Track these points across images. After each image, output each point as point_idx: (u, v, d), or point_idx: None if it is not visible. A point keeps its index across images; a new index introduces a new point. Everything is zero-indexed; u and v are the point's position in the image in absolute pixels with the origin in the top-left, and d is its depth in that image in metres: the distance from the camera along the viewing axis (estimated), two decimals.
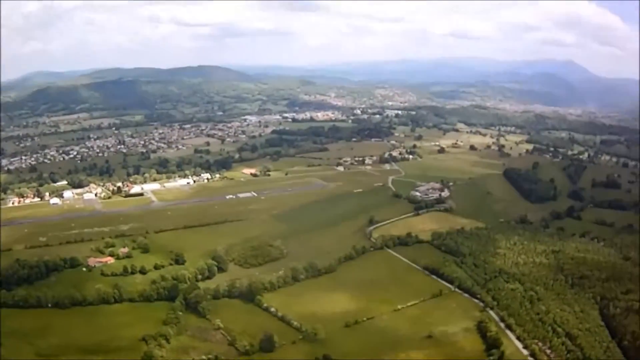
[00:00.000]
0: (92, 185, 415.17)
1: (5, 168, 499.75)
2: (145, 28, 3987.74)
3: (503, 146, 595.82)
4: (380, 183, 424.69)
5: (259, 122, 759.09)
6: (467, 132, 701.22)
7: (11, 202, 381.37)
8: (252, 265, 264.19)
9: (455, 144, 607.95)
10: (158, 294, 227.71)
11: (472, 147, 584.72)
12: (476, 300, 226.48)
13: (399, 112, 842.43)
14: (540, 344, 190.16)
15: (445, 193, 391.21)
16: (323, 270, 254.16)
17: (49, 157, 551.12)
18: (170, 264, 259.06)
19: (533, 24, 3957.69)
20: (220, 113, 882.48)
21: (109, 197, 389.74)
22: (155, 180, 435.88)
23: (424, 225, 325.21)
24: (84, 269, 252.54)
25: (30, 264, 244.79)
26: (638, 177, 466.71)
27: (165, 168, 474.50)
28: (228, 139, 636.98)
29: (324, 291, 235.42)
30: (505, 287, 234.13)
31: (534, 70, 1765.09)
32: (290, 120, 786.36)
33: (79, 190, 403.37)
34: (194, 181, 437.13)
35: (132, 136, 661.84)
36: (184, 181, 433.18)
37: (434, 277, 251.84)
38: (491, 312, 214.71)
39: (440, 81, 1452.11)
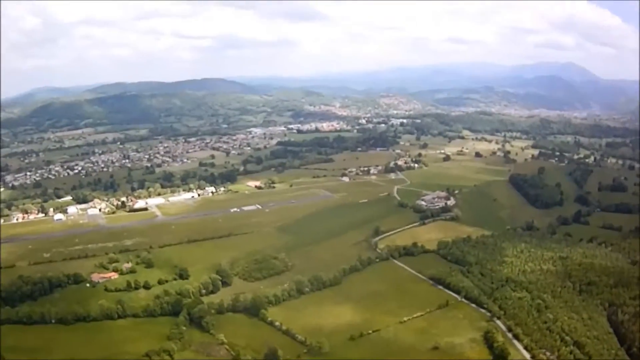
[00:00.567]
0: (96, 200, 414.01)
1: (10, 184, 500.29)
2: (146, 42, 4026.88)
3: (508, 152, 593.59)
4: (386, 193, 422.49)
5: (264, 134, 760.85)
6: (472, 139, 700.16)
7: (15, 218, 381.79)
8: (257, 279, 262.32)
9: (461, 151, 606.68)
10: (162, 309, 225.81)
11: (477, 154, 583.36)
12: (483, 310, 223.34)
13: (404, 120, 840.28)
14: (548, 353, 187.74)
15: (451, 201, 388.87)
16: (328, 283, 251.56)
17: (53, 172, 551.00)
18: (174, 279, 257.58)
19: (532, 26, 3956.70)
20: (225, 126, 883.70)
21: (113, 212, 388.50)
22: (159, 194, 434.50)
23: (430, 234, 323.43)
24: (88, 284, 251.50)
25: (33, 280, 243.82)
26: None
27: (169, 182, 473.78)
28: (233, 152, 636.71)
29: (328, 304, 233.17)
30: (513, 296, 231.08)
31: (535, 74, 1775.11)
32: (295, 131, 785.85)
33: (83, 206, 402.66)
34: (199, 195, 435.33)
35: (136, 150, 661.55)
36: (188, 195, 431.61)
37: (440, 287, 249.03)
38: (498, 322, 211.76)
39: (443, 88, 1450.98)
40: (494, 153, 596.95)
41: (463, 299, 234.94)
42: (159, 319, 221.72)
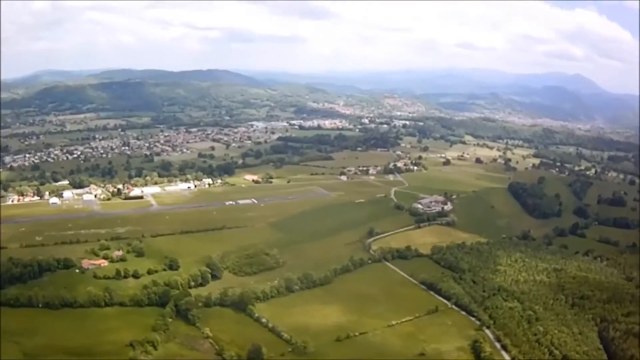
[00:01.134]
0: (92, 186, 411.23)
1: (8, 165, 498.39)
2: (154, 30, 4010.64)
3: (509, 160, 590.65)
4: (383, 194, 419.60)
5: (266, 128, 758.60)
6: (474, 144, 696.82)
7: (10, 200, 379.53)
8: (247, 274, 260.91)
9: (462, 156, 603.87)
10: (149, 299, 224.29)
11: (478, 160, 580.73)
12: (472, 318, 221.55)
13: (407, 122, 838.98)
14: None
15: (448, 206, 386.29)
16: (318, 282, 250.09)
17: (52, 156, 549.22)
18: (164, 269, 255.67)
19: (542, 36, 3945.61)
20: (228, 118, 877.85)
21: (109, 199, 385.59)
22: (156, 183, 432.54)
23: (425, 238, 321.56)
24: (77, 270, 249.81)
25: (23, 263, 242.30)
26: None
27: (167, 171, 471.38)
28: (233, 144, 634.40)
29: (317, 303, 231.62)
30: (504, 305, 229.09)
31: (542, 83, 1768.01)
32: (297, 127, 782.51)
33: (78, 191, 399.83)
34: (195, 186, 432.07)
35: (137, 138, 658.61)
36: (184, 185, 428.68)
37: (431, 292, 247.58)
38: (487, 332, 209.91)
39: (449, 92, 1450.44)
40: (494, 160, 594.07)
41: (453, 306, 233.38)
42: (145, 309, 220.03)
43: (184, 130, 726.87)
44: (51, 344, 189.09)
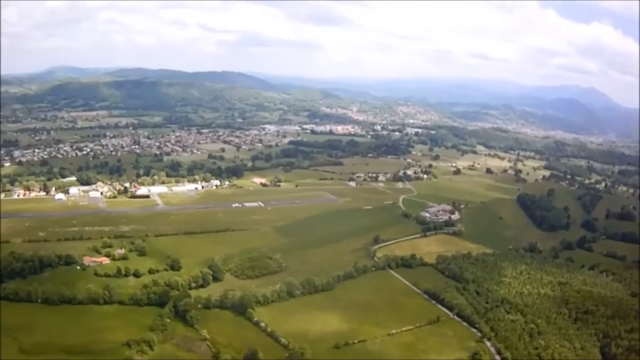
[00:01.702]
0: (99, 183, 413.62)
1: (17, 159, 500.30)
2: (170, 31, 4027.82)
3: (520, 171, 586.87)
4: (391, 201, 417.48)
5: (278, 131, 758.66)
6: (485, 154, 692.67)
7: (16, 194, 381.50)
8: (249, 277, 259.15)
9: (472, 166, 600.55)
10: (148, 298, 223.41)
11: (488, 170, 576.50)
12: (474, 330, 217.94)
13: (419, 130, 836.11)
14: None
15: (456, 216, 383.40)
16: (320, 288, 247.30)
17: (62, 152, 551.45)
18: (166, 270, 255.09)
19: (557, 49, 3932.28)
20: (240, 120, 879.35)
21: (115, 197, 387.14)
22: (163, 183, 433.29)
23: (430, 247, 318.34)
24: (78, 267, 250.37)
25: (25, 258, 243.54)
26: None
27: (176, 172, 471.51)
28: (244, 147, 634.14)
29: (318, 309, 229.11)
30: (506, 317, 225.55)
31: (556, 96, 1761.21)
32: (309, 131, 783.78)
33: (85, 188, 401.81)
34: (203, 187, 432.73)
35: (148, 137, 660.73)
36: (192, 186, 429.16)
37: (434, 302, 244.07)
38: (487, 344, 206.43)
39: (462, 102, 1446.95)
40: (505, 171, 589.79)
41: (455, 317, 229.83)
42: (144, 309, 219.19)
43: (196, 131, 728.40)
44: (48, 341, 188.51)
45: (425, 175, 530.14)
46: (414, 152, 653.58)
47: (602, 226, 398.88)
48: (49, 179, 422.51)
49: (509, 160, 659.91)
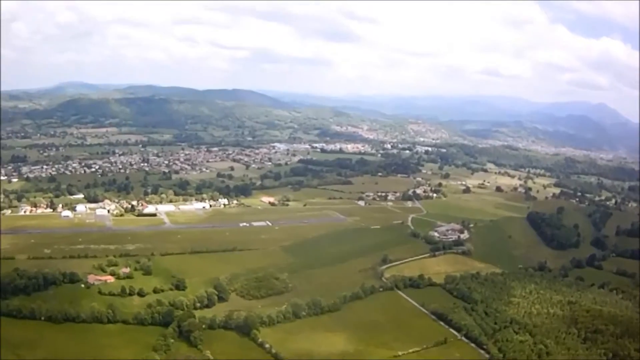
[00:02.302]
0: (106, 201, 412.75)
1: (25, 176, 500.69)
2: (181, 47, 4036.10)
3: (530, 189, 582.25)
4: (400, 221, 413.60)
5: (287, 150, 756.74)
6: (495, 172, 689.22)
7: (23, 210, 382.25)
8: (254, 297, 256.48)
9: (482, 184, 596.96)
10: (152, 318, 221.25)
11: (498, 189, 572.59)
12: (482, 351, 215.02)
13: (429, 148, 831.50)
14: None
15: (465, 235, 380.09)
16: (326, 308, 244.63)
17: (70, 168, 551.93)
18: (170, 289, 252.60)
19: (567, 64, 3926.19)
20: (250, 138, 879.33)
21: (122, 215, 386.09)
22: (171, 201, 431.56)
23: (439, 267, 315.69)
24: (83, 285, 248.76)
25: (29, 274, 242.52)
26: None
27: (184, 190, 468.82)
28: (253, 165, 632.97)
29: (323, 330, 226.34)
30: (514, 338, 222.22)
31: (566, 112, 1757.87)
32: (319, 150, 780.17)
33: (92, 205, 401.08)
34: (210, 206, 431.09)
35: (157, 155, 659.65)
36: (199, 205, 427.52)
37: (441, 323, 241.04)
38: None
39: (473, 119, 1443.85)
40: (515, 189, 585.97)
41: (463, 337, 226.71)
42: (148, 328, 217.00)
43: (205, 149, 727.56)
44: (51, 358, 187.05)
45: (434, 194, 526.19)
46: (423, 171, 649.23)
47: (612, 243, 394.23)
48: (57, 196, 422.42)
49: (519, 178, 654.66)
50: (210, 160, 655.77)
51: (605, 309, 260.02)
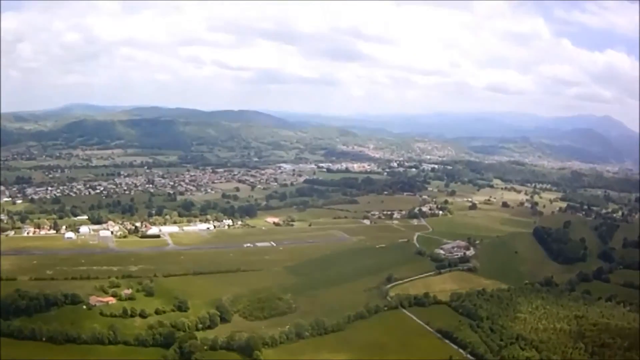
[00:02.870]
0: (110, 222, 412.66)
1: (29, 197, 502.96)
2: (187, 68, 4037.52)
3: (536, 204, 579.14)
4: (405, 239, 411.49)
5: (293, 170, 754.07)
6: (502, 188, 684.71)
7: (26, 232, 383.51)
8: (257, 318, 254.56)
9: (488, 200, 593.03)
10: (154, 339, 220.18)
11: (504, 204, 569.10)
12: None
13: (436, 166, 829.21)
14: None
15: (471, 252, 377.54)
16: (330, 329, 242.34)
17: (75, 190, 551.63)
18: (173, 310, 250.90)
19: (572, 78, 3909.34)
20: (256, 159, 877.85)
21: (125, 236, 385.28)
22: (175, 222, 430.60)
23: (445, 285, 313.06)
24: (84, 306, 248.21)
25: (30, 295, 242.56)
26: None
27: (188, 211, 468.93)
28: (259, 186, 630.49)
29: (327, 351, 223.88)
30: (521, 355, 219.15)
31: (572, 126, 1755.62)
32: (325, 170, 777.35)
33: (95, 227, 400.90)
34: (215, 227, 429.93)
35: (162, 176, 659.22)
36: (204, 226, 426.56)
37: (446, 341, 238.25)
38: None
39: (480, 136, 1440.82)
40: (521, 204, 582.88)
41: (468, 355, 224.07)
42: (149, 350, 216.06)
43: (211, 170, 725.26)
44: None
45: (440, 212, 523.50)
46: (430, 188, 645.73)
47: (619, 256, 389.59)
48: (61, 217, 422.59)
49: (526, 193, 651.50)
50: (216, 181, 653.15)
51: (612, 321, 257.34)
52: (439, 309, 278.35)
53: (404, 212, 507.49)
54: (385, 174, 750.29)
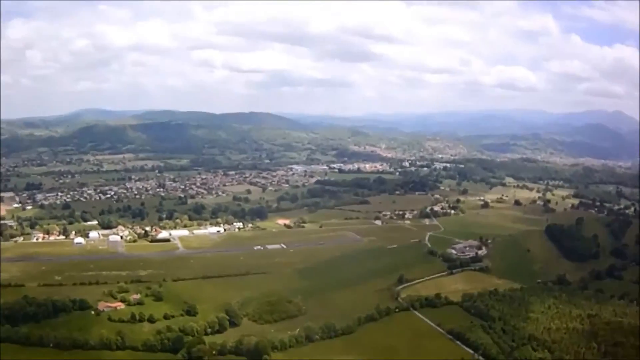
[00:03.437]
0: (120, 227, 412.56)
1: (39, 203, 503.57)
2: (198, 72, 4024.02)
3: (549, 201, 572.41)
4: (417, 239, 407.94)
5: (305, 171, 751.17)
6: (514, 186, 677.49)
7: (35, 237, 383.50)
8: (267, 322, 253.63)
9: (501, 198, 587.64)
10: (162, 344, 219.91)
11: (516, 202, 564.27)
12: None
13: (448, 165, 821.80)
14: None
15: (483, 251, 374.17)
16: (340, 331, 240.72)
17: (85, 195, 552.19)
18: (181, 315, 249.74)
19: (582, 74, 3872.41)
20: (268, 161, 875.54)
21: (135, 241, 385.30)
22: (186, 226, 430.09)
23: (456, 285, 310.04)
24: (93, 312, 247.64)
25: (38, 302, 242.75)
26: None
27: (199, 215, 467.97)
28: (270, 188, 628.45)
29: (336, 354, 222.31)
30: (533, 355, 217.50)
31: (583, 122, 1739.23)
32: (336, 170, 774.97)
33: (105, 232, 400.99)
34: (225, 230, 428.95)
35: (173, 180, 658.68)
36: (214, 229, 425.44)
37: (458, 342, 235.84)
38: None
39: (491, 134, 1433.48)
40: (534, 201, 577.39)
41: (480, 357, 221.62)
42: (157, 355, 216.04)
43: (222, 173, 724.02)
44: None
45: (452, 211, 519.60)
46: (442, 188, 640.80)
47: (632, 252, 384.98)
48: (70, 223, 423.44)
49: (538, 191, 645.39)
50: (227, 184, 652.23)
51: (626, 320, 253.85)
52: (450, 309, 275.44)
53: (415, 212, 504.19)
54: (397, 173, 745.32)
